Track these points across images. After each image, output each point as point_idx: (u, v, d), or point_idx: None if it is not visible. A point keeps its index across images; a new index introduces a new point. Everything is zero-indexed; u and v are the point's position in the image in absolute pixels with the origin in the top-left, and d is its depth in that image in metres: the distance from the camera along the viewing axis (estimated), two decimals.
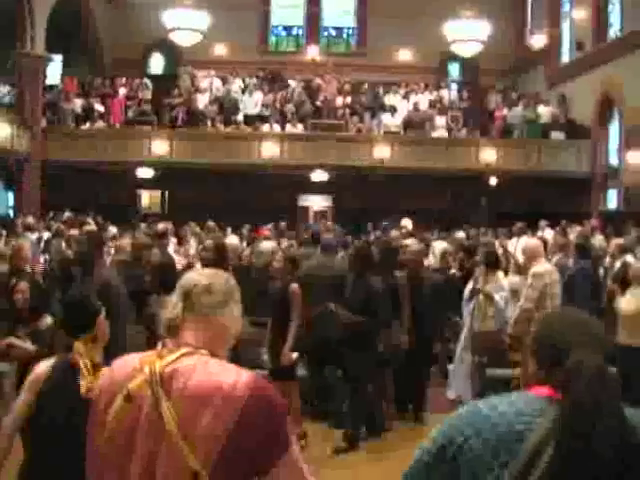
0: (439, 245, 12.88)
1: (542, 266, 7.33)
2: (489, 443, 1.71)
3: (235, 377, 1.93)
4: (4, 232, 13.73)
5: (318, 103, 22.61)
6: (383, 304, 7.18)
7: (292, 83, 23.89)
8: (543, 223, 16.31)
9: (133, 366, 2.00)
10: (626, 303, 7.76)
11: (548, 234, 14.87)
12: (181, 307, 2.09)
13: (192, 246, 13.42)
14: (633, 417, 1.67)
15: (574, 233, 14.13)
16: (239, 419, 1.87)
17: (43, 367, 3.47)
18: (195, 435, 1.86)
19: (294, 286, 7.00)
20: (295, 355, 6.92)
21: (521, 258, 8.79)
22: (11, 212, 20.66)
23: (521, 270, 8.55)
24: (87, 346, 3.48)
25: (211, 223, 15.60)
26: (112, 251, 11.22)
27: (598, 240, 13.00)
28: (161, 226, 12.68)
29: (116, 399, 1.95)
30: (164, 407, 1.88)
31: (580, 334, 1.79)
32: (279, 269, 7.31)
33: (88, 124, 21.44)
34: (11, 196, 22.07)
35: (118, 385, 1.97)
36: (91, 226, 14.52)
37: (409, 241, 9.39)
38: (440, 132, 22.22)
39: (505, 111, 22.99)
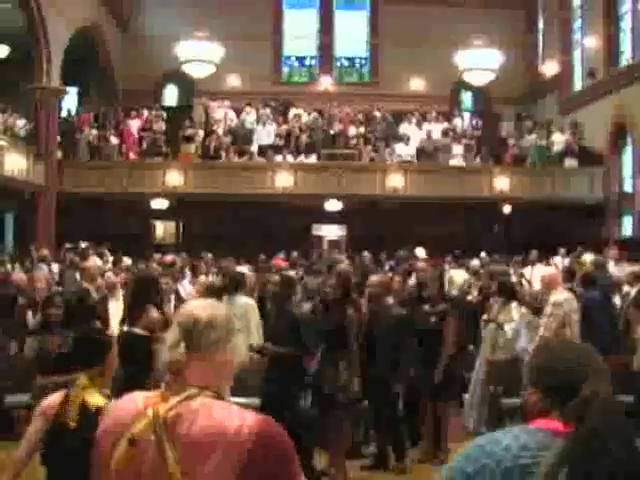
0: (459, 275, 12.75)
1: (562, 295, 7.26)
2: (494, 478, 1.69)
3: (239, 422, 1.87)
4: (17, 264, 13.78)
5: (332, 132, 22.64)
6: (307, 330, 6.72)
7: (301, 112, 23.91)
8: (563, 250, 16.20)
9: (137, 407, 1.96)
10: None
11: (558, 261, 14.78)
12: (184, 347, 1.98)
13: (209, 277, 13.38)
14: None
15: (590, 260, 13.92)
16: (244, 467, 1.82)
17: (54, 398, 3.49)
18: None
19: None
20: None
21: (538, 286, 8.73)
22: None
23: (533, 301, 8.48)
24: (95, 380, 3.50)
25: (209, 255, 15.42)
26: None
27: (623, 268, 12.69)
28: (169, 257, 12.67)
29: (120, 441, 1.91)
30: (168, 452, 1.85)
31: (587, 364, 1.80)
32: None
33: (103, 155, 21.53)
34: (26, 227, 22.20)
35: (122, 426, 1.93)
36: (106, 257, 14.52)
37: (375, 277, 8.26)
38: (457, 160, 22.21)
39: (518, 139, 22.99)
